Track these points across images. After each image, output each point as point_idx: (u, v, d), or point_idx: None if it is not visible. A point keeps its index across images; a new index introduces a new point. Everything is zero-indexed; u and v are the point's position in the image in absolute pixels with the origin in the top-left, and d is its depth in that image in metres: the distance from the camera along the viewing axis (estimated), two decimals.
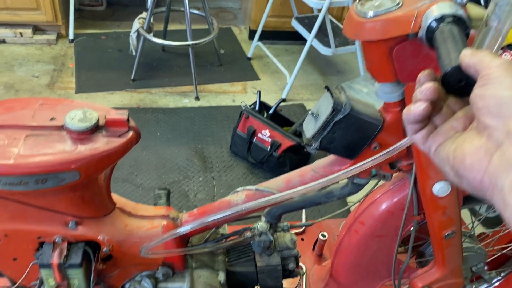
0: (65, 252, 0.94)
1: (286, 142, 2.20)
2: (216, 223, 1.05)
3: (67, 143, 0.83)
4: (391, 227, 1.10)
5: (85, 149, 0.82)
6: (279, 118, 2.38)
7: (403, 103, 0.87)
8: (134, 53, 2.85)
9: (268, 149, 2.24)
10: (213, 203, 1.07)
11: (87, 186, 0.90)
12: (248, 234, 1.10)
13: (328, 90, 0.89)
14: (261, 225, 1.09)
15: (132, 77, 2.92)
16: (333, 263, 1.23)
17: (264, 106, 2.43)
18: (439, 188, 0.96)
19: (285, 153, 2.22)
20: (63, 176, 0.81)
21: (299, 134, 2.33)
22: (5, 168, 0.78)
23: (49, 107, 0.89)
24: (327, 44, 2.83)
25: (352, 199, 2.13)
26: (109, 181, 0.97)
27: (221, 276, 1.11)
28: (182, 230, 0.92)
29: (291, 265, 1.16)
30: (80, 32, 3.35)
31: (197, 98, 2.86)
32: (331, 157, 0.99)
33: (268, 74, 3.16)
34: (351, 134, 0.89)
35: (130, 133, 0.87)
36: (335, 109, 0.85)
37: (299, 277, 1.23)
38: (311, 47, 2.81)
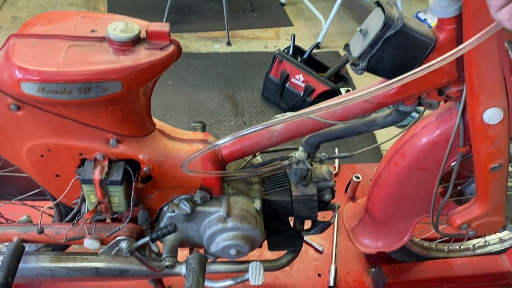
0: (106, 169, 0.95)
1: (320, 87, 2.15)
2: (253, 147, 1.04)
3: (109, 54, 0.82)
4: (434, 160, 1.06)
5: (127, 60, 0.81)
6: (313, 63, 2.32)
7: (459, 19, 0.82)
8: None
9: (301, 94, 2.21)
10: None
11: (128, 101, 0.89)
12: (286, 162, 1.09)
13: (379, 5, 0.84)
14: (299, 153, 1.07)
15: (164, 22, 2.88)
16: (369, 198, 1.22)
17: (298, 51, 2.37)
18: (490, 115, 0.91)
19: (318, 98, 2.18)
20: (106, 86, 0.81)
21: (334, 79, 2.27)
22: (50, 75, 0.78)
23: (90, 20, 0.88)
24: None
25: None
26: (149, 101, 0.97)
27: (257, 204, 1.11)
28: (221, 142, 0.91)
29: (327, 196, 1.14)
30: None
31: (228, 44, 2.81)
32: (375, 83, 0.95)
33: (302, 21, 3.07)
34: (401, 53, 0.84)
35: (172, 47, 0.85)
36: (387, 24, 0.81)
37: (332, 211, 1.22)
38: None
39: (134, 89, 0.85)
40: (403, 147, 1.09)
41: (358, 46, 0.88)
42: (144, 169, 1.00)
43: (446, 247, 1.48)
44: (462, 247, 1.48)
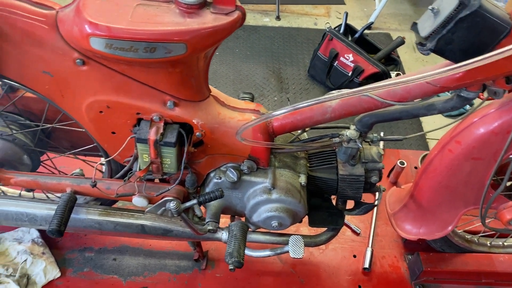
0: (161, 130, 0.97)
1: (370, 69, 2.10)
2: (306, 122, 1.04)
3: (176, 15, 0.82)
4: (491, 151, 1.02)
5: (193, 22, 0.81)
6: (364, 44, 2.26)
7: None
8: None
9: (349, 74, 2.16)
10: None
11: (189, 64, 0.90)
12: (337, 139, 1.08)
13: None
14: (351, 132, 1.06)
15: None
16: (417, 183, 1.19)
17: (349, 29, 2.31)
18: None
19: (367, 80, 2.13)
20: (171, 48, 0.81)
21: (384, 62, 2.21)
22: (118, 32, 0.79)
23: None
24: None
25: (433, 134, 2.03)
26: (208, 67, 0.97)
27: (302, 179, 1.12)
28: (277, 113, 0.91)
29: (374, 178, 1.13)
30: None
31: (278, 18, 2.77)
32: (440, 65, 0.91)
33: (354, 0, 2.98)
34: (473, 36, 0.81)
35: (237, 13, 0.85)
36: (462, 3, 0.77)
37: (377, 194, 1.21)
38: None
39: (197, 53, 0.85)
40: (459, 135, 1.05)
41: (427, 26, 0.84)
42: (197, 133, 1.01)
43: (488, 242, 1.44)
44: (505, 243, 1.44)
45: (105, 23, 0.79)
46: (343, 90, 1.00)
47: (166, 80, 0.92)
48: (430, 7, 0.84)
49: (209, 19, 0.82)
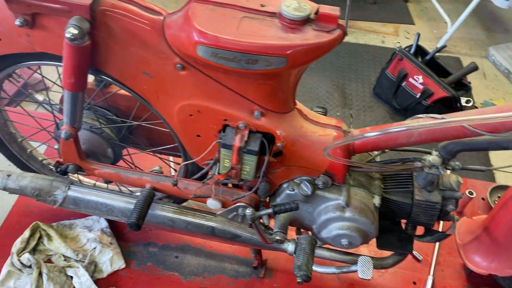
0: (245, 138, 0.99)
1: (440, 92, 2.06)
2: (389, 143, 1.03)
3: (279, 30, 0.84)
4: None
5: (296, 38, 0.83)
6: (435, 67, 2.22)
7: None
8: None
9: (418, 96, 2.12)
10: (388, 124, 1.05)
11: (283, 78, 0.92)
12: (418, 164, 1.06)
13: None
14: (434, 158, 1.04)
15: None
16: (493, 217, 1.16)
17: (420, 51, 2.27)
18: None
19: (435, 103, 2.08)
20: (272, 61, 0.84)
21: (454, 86, 2.16)
22: (225, 42, 0.82)
23: None
24: None
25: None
26: (298, 81, 0.99)
27: (377, 200, 1.11)
28: (370, 134, 0.91)
29: (451, 207, 1.10)
30: None
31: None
32: None
33: (424, 20, 2.93)
34: None
35: (338, 31, 0.86)
36: None
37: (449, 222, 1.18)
38: None
39: (296, 67, 0.87)
40: None
41: None
42: (278, 144, 1.03)
43: None
44: None
45: (214, 32, 0.83)
46: (436, 115, 0.99)
47: (257, 90, 0.95)
48: None
49: (311, 36, 0.84)
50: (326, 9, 0.86)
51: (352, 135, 1.05)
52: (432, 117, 0.99)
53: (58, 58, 0.98)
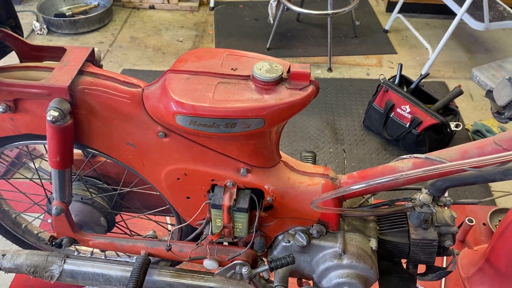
0: (234, 196, 1.00)
1: (429, 120, 2.08)
2: (377, 187, 1.03)
3: (254, 92, 0.87)
4: None
5: (271, 99, 0.85)
6: (420, 94, 2.25)
7: None
8: (272, 22, 2.90)
9: (407, 126, 2.14)
10: (374, 168, 1.05)
11: (264, 136, 0.93)
12: (409, 204, 1.06)
13: None
14: (424, 196, 1.04)
15: (268, 46, 2.98)
16: (493, 247, 1.14)
17: (404, 80, 2.31)
18: None
19: (425, 131, 2.10)
20: (250, 122, 0.85)
21: (442, 112, 2.18)
22: (203, 110, 0.84)
23: (235, 58, 0.94)
24: (479, 18, 2.57)
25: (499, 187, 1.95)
26: (280, 136, 1.01)
27: (373, 243, 1.10)
28: (356, 187, 0.92)
29: (448, 243, 1.09)
30: (220, 0, 3.50)
31: (329, 70, 2.82)
32: None
33: (406, 48, 3.00)
34: None
35: (311, 87, 0.88)
36: None
37: (448, 257, 1.17)
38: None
39: (273, 126, 0.89)
40: None
41: (504, 94, 0.84)
42: (268, 198, 1.03)
43: None
44: None
45: (191, 102, 0.85)
46: (415, 154, 1.01)
47: (240, 150, 0.96)
48: (507, 76, 0.84)
49: (285, 95, 0.86)
50: (297, 67, 0.88)
51: (339, 184, 1.06)
52: (416, 157, 1.00)
53: (43, 137, 1.00)
